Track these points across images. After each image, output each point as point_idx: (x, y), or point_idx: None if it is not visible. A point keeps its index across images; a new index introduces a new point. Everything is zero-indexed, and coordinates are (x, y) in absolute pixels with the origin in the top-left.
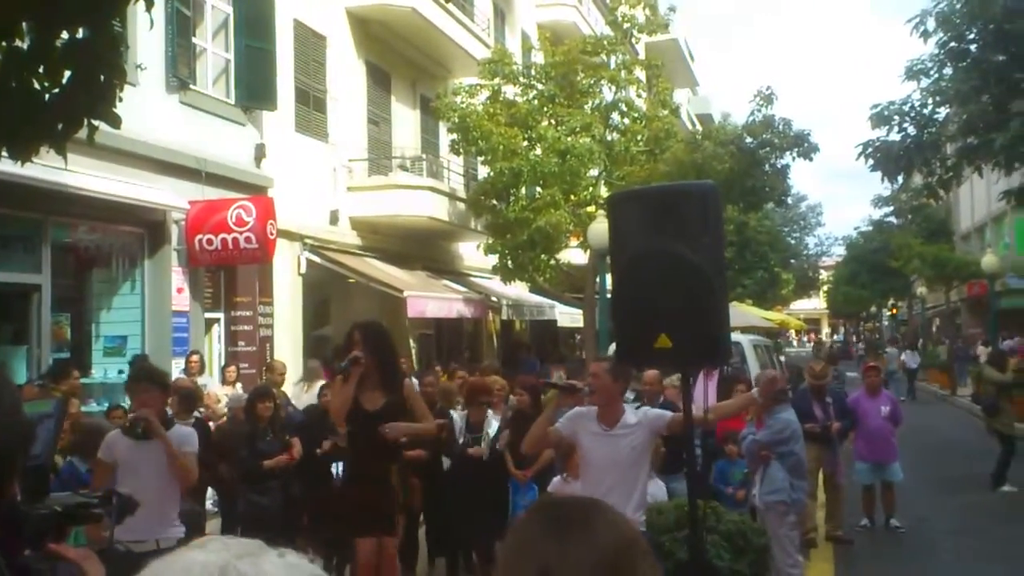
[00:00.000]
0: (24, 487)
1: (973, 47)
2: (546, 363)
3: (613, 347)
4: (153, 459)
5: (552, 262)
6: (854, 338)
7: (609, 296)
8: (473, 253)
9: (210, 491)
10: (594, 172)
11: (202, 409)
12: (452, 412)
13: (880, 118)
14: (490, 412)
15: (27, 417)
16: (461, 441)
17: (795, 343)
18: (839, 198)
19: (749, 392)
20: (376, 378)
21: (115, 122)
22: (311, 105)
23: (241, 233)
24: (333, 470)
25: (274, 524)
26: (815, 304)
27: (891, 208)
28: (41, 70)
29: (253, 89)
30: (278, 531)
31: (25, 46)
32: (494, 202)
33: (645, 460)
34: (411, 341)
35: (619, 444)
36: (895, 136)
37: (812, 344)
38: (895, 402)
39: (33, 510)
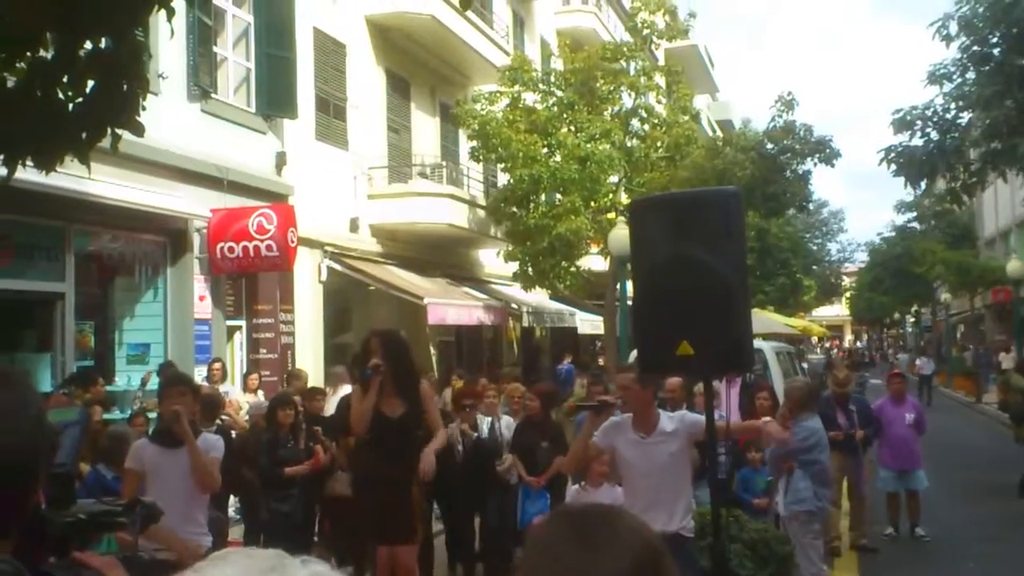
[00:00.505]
0: (49, 495)
1: (996, 51)
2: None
3: (635, 354)
4: (181, 466)
5: (572, 269)
6: (882, 344)
7: (630, 303)
8: (493, 260)
9: (232, 498)
10: (614, 179)
11: (224, 417)
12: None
13: (903, 123)
14: (487, 416)
15: (51, 425)
16: (459, 447)
17: (817, 350)
18: (861, 204)
19: (762, 422)
20: (393, 385)
21: (138, 131)
22: (331, 113)
23: (262, 241)
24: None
25: (295, 531)
26: (838, 311)
27: (914, 214)
28: (65, 80)
29: (274, 97)
30: (299, 538)
31: (49, 56)
32: (514, 209)
33: (687, 465)
34: (431, 348)
35: (658, 451)
36: (918, 141)
37: (826, 352)
38: (920, 410)
39: (58, 517)
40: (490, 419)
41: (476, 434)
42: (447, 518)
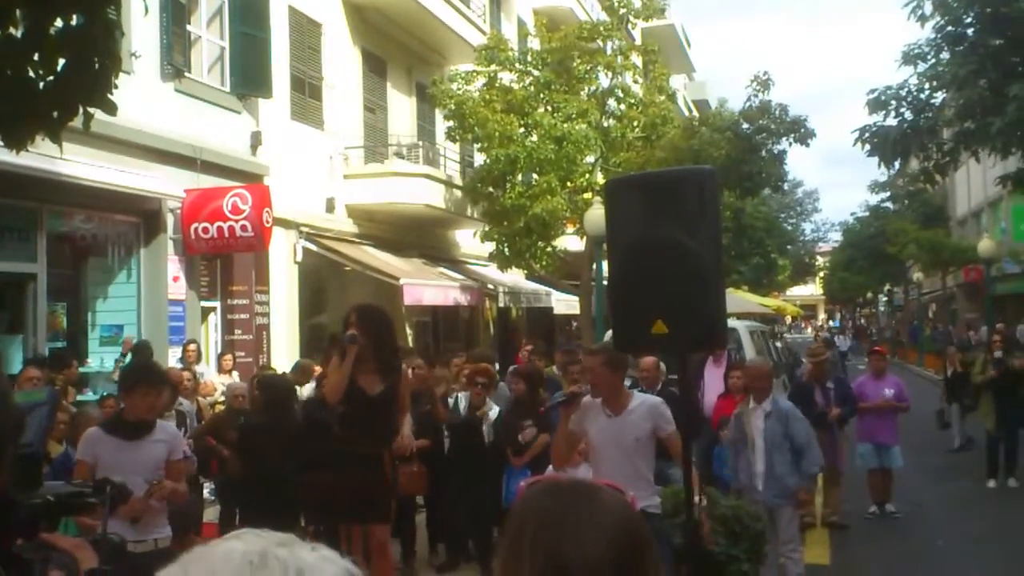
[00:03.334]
0: (17, 476)
1: (970, 31)
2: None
3: (610, 333)
4: (142, 459)
5: (548, 249)
6: (855, 323)
7: (606, 283)
8: (469, 240)
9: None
10: (590, 158)
11: (182, 401)
12: (458, 394)
13: (877, 103)
14: (488, 399)
15: (18, 406)
16: (464, 415)
17: (791, 329)
18: (836, 183)
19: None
20: (373, 361)
21: (111, 109)
22: (307, 92)
23: (237, 221)
24: None
25: (272, 510)
26: (811, 290)
27: (888, 193)
28: (36, 57)
29: (248, 77)
30: (276, 517)
31: (19, 33)
32: (490, 189)
33: (652, 446)
34: (408, 329)
35: (625, 430)
36: (892, 121)
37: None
38: (900, 386)
39: (26, 499)
40: (465, 396)
41: (487, 427)
42: (430, 499)
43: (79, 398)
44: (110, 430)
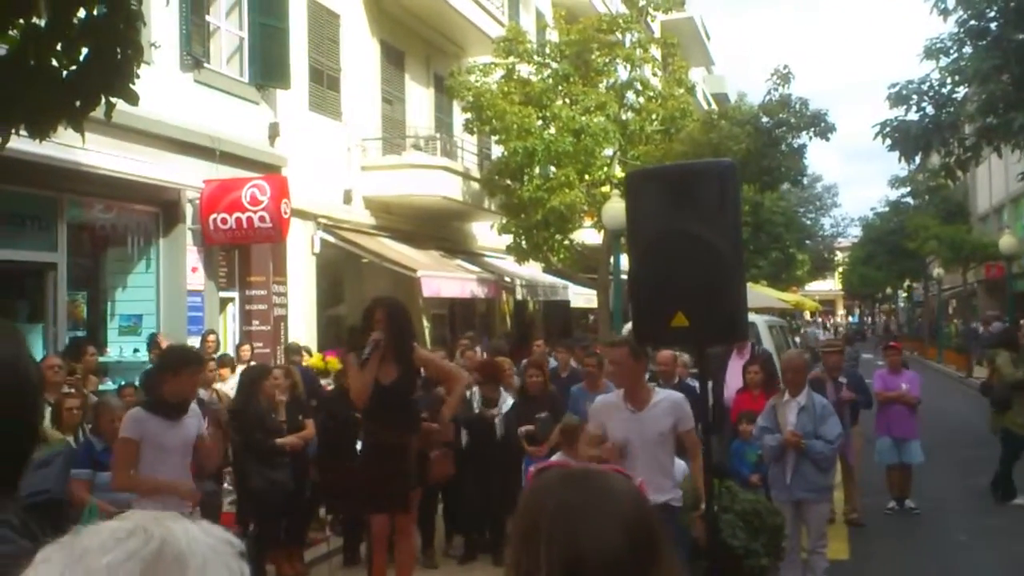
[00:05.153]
0: (40, 522)
1: (993, 25)
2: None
3: (629, 326)
4: (180, 437)
5: (566, 242)
6: (873, 319)
7: (623, 276)
8: (487, 233)
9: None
10: (609, 151)
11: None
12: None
13: (898, 97)
14: (503, 391)
15: (38, 369)
16: (477, 411)
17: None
18: (856, 178)
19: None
20: (392, 352)
21: (133, 99)
22: (325, 84)
23: (255, 212)
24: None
25: (287, 499)
26: (830, 285)
27: (908, 189)
28: (59, 47)
29: (267, 68)
30: (291, 506)
31: (43, 23)
32: (508, 182)
33: (673, 441)
34: (425, 321)
35: (649, 426)
36: (913, 116)
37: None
38: (915, 380)
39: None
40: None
41: (499, 420)
42: (449, 491)
43: (100, 387)
44: (153, 411)
